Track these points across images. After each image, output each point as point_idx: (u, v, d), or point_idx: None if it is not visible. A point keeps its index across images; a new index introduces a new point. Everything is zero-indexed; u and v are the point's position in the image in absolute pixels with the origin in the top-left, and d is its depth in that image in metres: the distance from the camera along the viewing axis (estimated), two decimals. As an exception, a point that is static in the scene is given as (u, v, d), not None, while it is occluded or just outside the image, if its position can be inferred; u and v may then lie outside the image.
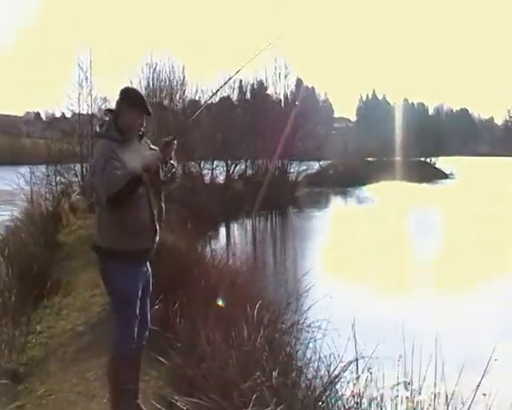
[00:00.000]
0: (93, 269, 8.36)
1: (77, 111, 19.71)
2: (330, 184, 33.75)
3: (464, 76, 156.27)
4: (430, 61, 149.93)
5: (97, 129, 3.67)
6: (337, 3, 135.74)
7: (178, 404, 3.41)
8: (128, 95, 3.70)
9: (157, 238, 3.71)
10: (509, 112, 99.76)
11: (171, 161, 3.73)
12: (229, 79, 4.16)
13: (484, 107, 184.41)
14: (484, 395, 3.48)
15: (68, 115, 21.61)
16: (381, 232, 17.47)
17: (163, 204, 3.82)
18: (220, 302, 4.82)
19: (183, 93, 20.74)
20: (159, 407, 3.78)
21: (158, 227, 3.71)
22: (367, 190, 33.68)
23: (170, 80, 19.58)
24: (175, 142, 3.67)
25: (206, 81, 34.94)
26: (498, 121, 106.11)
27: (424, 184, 36.95)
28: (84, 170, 18.72)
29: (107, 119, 3.64)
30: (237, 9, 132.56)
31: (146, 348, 3.94)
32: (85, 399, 4.29)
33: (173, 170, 3.74)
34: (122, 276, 3.55)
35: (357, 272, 11.33)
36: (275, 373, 3.78)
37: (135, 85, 18.97)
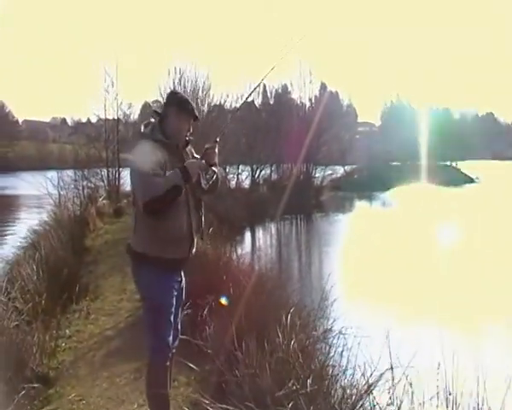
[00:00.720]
0: (120, 274, 8.41)
1: (102, 116, 19.92)
2: (355, 188, 33.50)
3: (491, 80, 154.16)
4: (455, 66, 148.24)
5: (142, 129, 3.58)
6: (362, 7, 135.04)
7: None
8: (176, 98, 3.63)
9: (194, 249, 3.63)
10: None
11: (213, 168, 3.64)
12: (262, 79, 4.08)
13: (510, 111, 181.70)
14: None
15: (94, 121, 21.86)
16: (407, 237, 17.22)
17: (203, 214, 3.69)
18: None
19: (209, 98, 20.74)
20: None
21: (195, 238, 3.62)
22: (392, 194, 33.38)
23: (195, 87, 19.59)
24: (216, 149, 3.60)
25: (230, 86, 34.81)
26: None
27: (449, 188, 36.47)
28: (110, 174, 18.90)
29: (153, 120, 3.58)
30: (260, 14, 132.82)
31: (175, 355, 3.89)
32: (115, 404, 4.26)
33: (214, 177, 3.66)
34: (155, 284, 3.47)
35: (386, 278, 11.15)
36: (309, 381, 3.69)
37: (162, 92, 19.10)
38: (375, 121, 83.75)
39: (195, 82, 19.63)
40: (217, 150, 3.62)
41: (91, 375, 4.79)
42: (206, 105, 19.97)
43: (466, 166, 49.94)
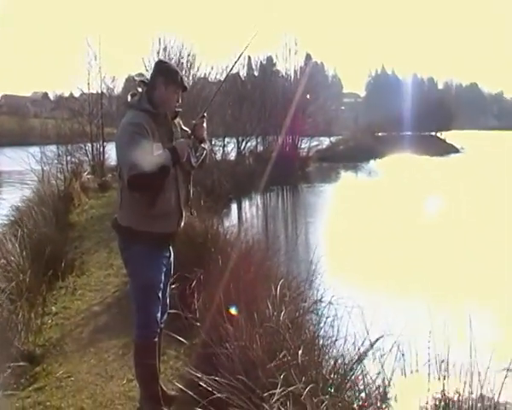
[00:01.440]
0: (106, 249, 8.31)
1: (86, 90, 19.56)
2: (341, 159, 33.58)
3: (473, 50, 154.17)
4: (439, 36, 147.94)
5: (128, 98, 3.45)
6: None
7: (201, 383, 3.27)
8: (164, 68, 3.50)
9: (182, 223, 3.54)
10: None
11: (202, 145, 3.54)
12: (246, 47, 3.93)
13: (493, 81, 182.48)
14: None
15: (77, 95, 21.45)
16: (393, 207, 17.29)
17: (191, 187, 3.59)
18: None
19: (193, 70, 20.43)
20: (180, 386, 3.66)
21: (184, 211, 3.54)
22: (377, 165, 33.55)
23: (179, 58, 19.27)
24: (204, 123, 3.49)
25: (215, 57, 34.43)
26: (507, 95, 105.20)
27: (435, 158, 36.67)
28: (95, 149, 18.63)
29: (140, 90, 3.45)
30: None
31: (164, 329, 3.83)
32: (104, 380, 4.20)
33: (204, 153, 3.56)
34: (144, 260, 3.37)
35: (373, 249, 11.16)
36: (300, 352, 3.65)
37: (146, 64, 18.75)
38: (360, 92, 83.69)
39: (180, 53, 19.33)
40: (205, 125, 3.52)
41: (79, 351, 4.72)
42: (190, 77, 19.65)
43: (451, 136, 50.16)
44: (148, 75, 3.76)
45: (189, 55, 19.81)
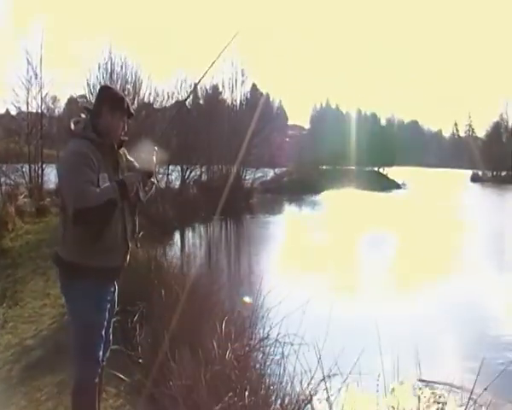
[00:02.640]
0: (43, 277, 7.92)
1: (24, 109, 18.85)
2: (285, 191, 33.86)
3: (414, 89, 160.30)
4: (382, 72, 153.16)
5: (71, 126, 3.24)
6: (291, 11, 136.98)
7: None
8: (109, 94, 3.33)
9: (128, 257, 3.36)
10: (455, 125, 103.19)
11: (152, 179, 3.39)
12: (202, 77, 3.90)
13: (432, 120, 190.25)
14: None
15: (13, 113, 20.65)
16: (335, 239, 17.56)
17: (137, 220, 3.42)
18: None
19: (139, 96, 20.20)
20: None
21: (131, 244, 3.36)
22: (321, 198, 33.98)
23: (125, 83, 19.01)
24: (154, 156, 3.34)
25: (159, 82, 34.14)
26: (446, 134, 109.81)
27: (377, 193, 37.51)
28: (33, 171, 17.95)
29: (83, 116, 3.27)
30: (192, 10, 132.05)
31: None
32: (35, 423, 3.89)
33: (153, 188, 3.42)
34: (88, 299, 3.15)
35: (317, 280, 11.16)
36: (246, 393, 3.50)
37: (90, 87, 18.36)
38: (304, 124, 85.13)
39: (125, 78, 19.07)
40: (155, 159, 3.36)
41: (7, 392, 4.36)
42: (136, 103, 19.41)
43: (393, 172, 51.57)
44: (90, 97, 3.58)
45: (135, 80, 19.56)
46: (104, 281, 3.25)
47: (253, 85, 33.83)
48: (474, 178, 61.40)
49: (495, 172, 62.34)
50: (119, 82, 18.66)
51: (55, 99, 20.15)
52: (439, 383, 6.17)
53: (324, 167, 45.02)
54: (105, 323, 3.27)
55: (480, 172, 63.02)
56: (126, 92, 17.95)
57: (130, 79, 19.38)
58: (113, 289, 3.38)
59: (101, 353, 3.25)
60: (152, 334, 4.49)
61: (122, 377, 4.07)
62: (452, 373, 6.49)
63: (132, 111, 3.39)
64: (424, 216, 24.26)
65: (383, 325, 7.50)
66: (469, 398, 3.39)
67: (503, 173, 61.50)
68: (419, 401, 4.14)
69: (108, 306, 3.31)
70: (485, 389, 3.53)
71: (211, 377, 3.53)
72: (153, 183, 3.42)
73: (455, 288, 11.50)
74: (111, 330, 3.50)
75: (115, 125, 3.26)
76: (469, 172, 63.41)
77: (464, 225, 21.74)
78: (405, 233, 19.09)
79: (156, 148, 3.40)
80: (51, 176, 17.03)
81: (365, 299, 10.14)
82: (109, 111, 3.23)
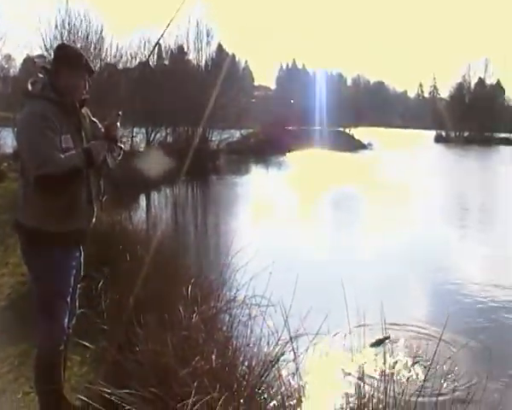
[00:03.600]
0: (0, 246, 7.65)
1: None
2: (251, 152, 33.77)
3: (380, 50, 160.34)
4: (349, 33, 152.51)
5: (29, 87, 3.09)
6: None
7: (111, 398, 3.01)
8: (67, 52, 3.19)
9: (93, 220, 3.28)
10: (420, 86, 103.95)
11: (120, 145, 3.31)
12: (162, 34, 3.74)
13: (398, 80, 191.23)
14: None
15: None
16: (302, 197, 17.75)
17: (102, 182, 3.33)
18: None
19: (101, 55, 19.64)
20: (85, 399, 3.38)
21: (96, 207, 3.27)
22: (287, 159, 34.02)
23: (86, 43, 18.43)
24: (118, 122, 3.22)
25: (122, 43, 33.26)
26: (411, 95, 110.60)
27: (343, 154, 37.69)
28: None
29: (41, 76, 3.11)
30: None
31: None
32: (-5, 395, 3.79)
33: (121, 153, 3.32)
34: (53, 264, 3.06)
35: (283, 241, 11.22)
36: (213, 356, 3.48)
37: (47, 43, 17.74)
38: (271, 85, 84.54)
39: (87, 37, 18.48)
40: (119, 124, 3.26)
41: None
42: (98, 63, 18.87)
43: (358, 133, 51.82)
44: (48, 55, 3.42)
45: (97, 38, 18.97)
46: (69, 246, 3.17)
47: (219, 46, 33.31)
48: (438, 139, 62.24)
49: (458, 133, 63.22)
50: (79, 41, 18.08)
51: (9, 58, 19.45)
52: (408, 334, 6.40)
53: (290, 128, 44.92)
54: (70, 289, 3.20)
55: (443, 133, 63.85)
56: (87, 51, 17.42)
57: (90, 39, 18.79)
58: (78, 254, 3.31)
59: (66, 320, 3.18)
60: (117, 299, 4.42)
61: (87, 344, 4.00)
62: (418, 323, 6.75)
63: (93, 68, 3.27)
64: (388, 175, 24.64)
65: (349, 280, 7.72)
66: (438, 343, 3.41)
67: (466, 134, 62.43)
68: (385, 356, 4.19)
69: (74, 271, 3.23)
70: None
71: (177, 342, 3.50)
72: (121, 148, 3.34)
73: (416, 241, 12.06)
74: (76, 296, 3.43)
75: (75, 83, 3.13)
76: (433, 133, 64.23)
77: (425, 184, 22.20)
78: (369, 191, 19.41)
79: (120, 112, 3.30)
80: (8, 140, 16.53)
81: (332, 255, 10.38)
82: (67, 69, 3.10)
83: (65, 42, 16.59)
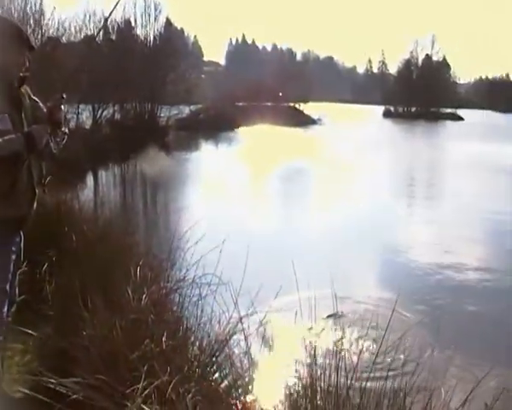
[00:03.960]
0: None
1: None
2: (201, 128, 33.49)
3: (331, 24, 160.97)
4: (298, 7, 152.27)
5: None
6: None
7: (56, 388, 2.90)
8: (4, 26, 2.98)
9: (35, 204, 3.13)
10: (369, 62, 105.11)
11: (64, 130, 3.14)
12: (114, 7, 3.54)
13: (347, 56, 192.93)
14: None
15: None
16: (252, 173, 17.84)
17: (44, 165, 3.17)
18: None
19: (42, 29, 18.88)
20: (26, 391, 3.25)
21: (37, 191, 3.12)
22: (237, 134, 33.93)
23: (24, 14, 17.67)
24: (62, 105, 3.05)
25: (66, 16, 32.13)
26: (360, 70, 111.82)
27: (293, 129, 37.82)
28: None
29: None
30: None
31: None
32: None
33: (65, 137, 3.15)
34: None
35: (235, 217, 11.20)
36: (164, 338, 3.42)
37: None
38: (220, 60, 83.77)
39: (24, 8, 17.72)
40: (63, 107, 3.10)
41: None
42: (39, 36, 18.16)
43: (308, 108, 52.07)
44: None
45: (35, 10, 18.21)
46: (9, 232, 3.02)
47: (167, 20, 32.68)
48: (386, 114, 63.23)
49: (406, 108, 64.37)
50: (16, 13, 17.33)
51: None
52: (359, 308, 6.51)
53: (240, 104, 44.73)
54: (10, 276, 3.07)
55: (391, 108, 64.87)
56: (26, 26, 16.73)
57: (29, 10, 18.03)
58: (18, 240, 3.16)
59: (5, 309, 3.05)
60: (62, 283, 4.28)
61: (30, 331, 3.86)
62: (369, 297, 6.88)
63: (33, 44, 3.09)
64: (337, 150, 24.96)
65: (300, 256, 7.86)
66: (390, 318, 3.43)
67: (413, 109, 63.63)
68: (336, 332, 4.22)
69: (14, 257, 3.09)
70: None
71: (126, 325, 3.41)
72: (64, 133, 3.18)
73: (365, 216, 12.37)
74: (16, 282, 3.29)
75: (14, 60, 2.95)
76: (382, 109, 65.21)
77: (373, 159, 22.60)
78: (318, 166, 19.64)
79: (64, 95, 3.13)
80: None
81: (282, 231, 10.44)
82: (5, 44, 2.91)
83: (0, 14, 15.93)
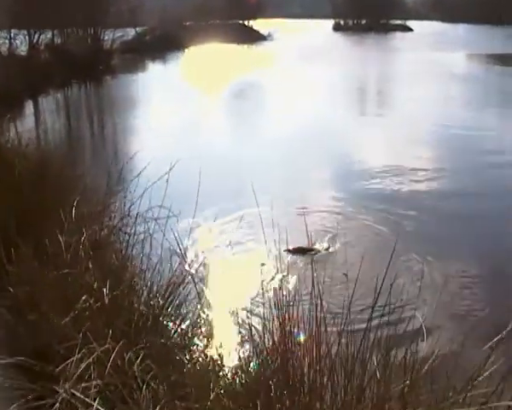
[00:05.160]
0: None
1: None
2: (148, 49, 32.04)
3: None
4: None
5: None
6: None
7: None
8: None
9: None
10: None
11: None
12: None
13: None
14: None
15: None
16: (201, 91, 17.38)
17: None
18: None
19: None
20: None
21: None
22: (185, 54, 32.81)
23: None
24: None
25: None
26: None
27: (243, 46, 36.84)
28: None
29: None
30: None
31: None
32: None
33: None
34: None
35: (183, 141, 10.64)
36: (106, 290, 2.91)
37: None
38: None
39: None
40: None
41: None
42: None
43: (257, 25, 50.68)
44: None
45: None
46: None
47: None
48: (336, 28, 62.18)
49: (356, 21, 63.24)
50: None
51: None
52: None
53: (188, 23, 43.05)
54: None
55: (341, 22, 63.68)
56: None
57: None
58: None
59: None
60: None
61: None
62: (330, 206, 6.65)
63: None
64: (288, 64, 24.59)
65: (255, 173, 7.57)
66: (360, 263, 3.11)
67: (363, 22, 62.54)
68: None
69: None
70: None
71: (58, 279, 2.89)
72: None
73: (318, 126, 12.12)
74: None
75: None
76: (332, 22, 64.15)
77: (323, 71, 22.25)
78: (270, 81, 19.26)
79: None
80: None
81: (235, 146, 10.10)
82: None
83: None
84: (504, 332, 2.03)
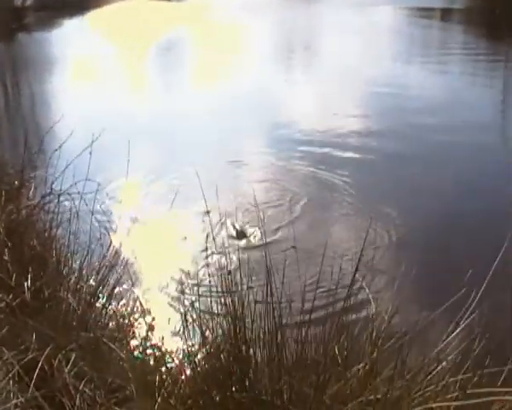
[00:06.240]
0: None
1: None
2: (65, 6, 30.24)
3: None
4: None
5: None
6: None
7: None
8: None
9: None
10: None
11: None
12: None
13: None
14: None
15: None
16: (123, 48, 17.02)
17: None
18: None
19: None
20: None
21: None
22: (105, 11, 31.31)
23: None
24: None
25: None
26: None
27: (167, 3, 35.63)
28: None
29: None
30: None
31: None
32: None
33: None
34: None
35: (111, 102, 10.15)
36: (30, 268, 2.57)
37: None
38: None
39: None
40: None
41: None
42: None
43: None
44: None
45: None
46: None
47: None
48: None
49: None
50: None
51: None
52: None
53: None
54: None
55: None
56: None
57: None
58: None
59: None
60: None
61: None
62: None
63: None
64: (215, 19, 24.32)
65: (187, 136, 7.33)
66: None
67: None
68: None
69: None
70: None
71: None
72: None
73: (248, 85, 11.91)
74: None
75: None
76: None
77: (253, 27, 22.01)
78: (197, 38, 19.00)
79: None
80: None
81: (165, 110, 9.68)
82: None
83: None
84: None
